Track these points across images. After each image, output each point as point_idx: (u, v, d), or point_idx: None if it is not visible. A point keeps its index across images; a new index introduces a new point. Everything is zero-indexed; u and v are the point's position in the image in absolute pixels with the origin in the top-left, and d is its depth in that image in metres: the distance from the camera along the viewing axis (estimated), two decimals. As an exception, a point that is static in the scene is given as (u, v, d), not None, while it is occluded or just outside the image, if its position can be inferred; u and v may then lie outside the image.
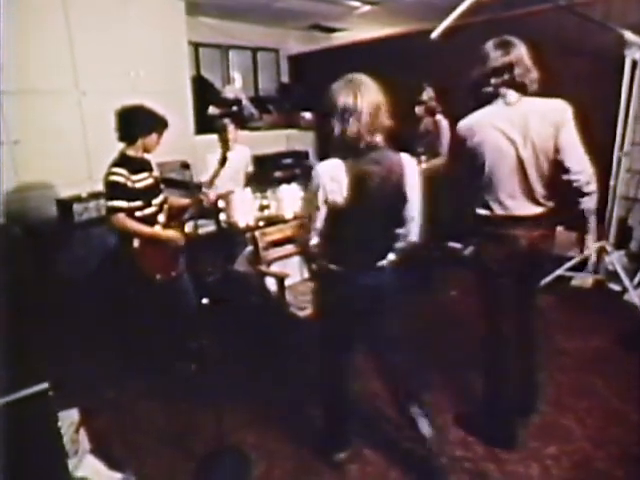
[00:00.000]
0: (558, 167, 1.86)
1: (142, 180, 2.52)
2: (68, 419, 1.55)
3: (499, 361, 2.16)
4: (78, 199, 3.56)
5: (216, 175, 2.88)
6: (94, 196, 3.59)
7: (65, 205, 3.54)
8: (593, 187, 1.86)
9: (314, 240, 1.81)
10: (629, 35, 3.08)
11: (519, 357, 2.18)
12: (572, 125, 1.82)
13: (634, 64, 3.23)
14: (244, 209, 3.24)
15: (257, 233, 3.04)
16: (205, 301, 2.61)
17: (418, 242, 1.90)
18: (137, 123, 2.47)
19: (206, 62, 6.00)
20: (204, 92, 5.40)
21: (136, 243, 2.46)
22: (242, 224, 3.25)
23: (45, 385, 1.16)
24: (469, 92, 1.97)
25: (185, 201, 2.84)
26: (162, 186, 2.74)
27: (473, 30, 3.96)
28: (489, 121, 1.88)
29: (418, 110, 3.84)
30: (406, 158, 1.82)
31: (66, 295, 3.35)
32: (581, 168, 1.84)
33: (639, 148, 3.73)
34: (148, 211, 2.54)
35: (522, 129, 1.83)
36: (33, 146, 3.69)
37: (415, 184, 1.83)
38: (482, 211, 2.00)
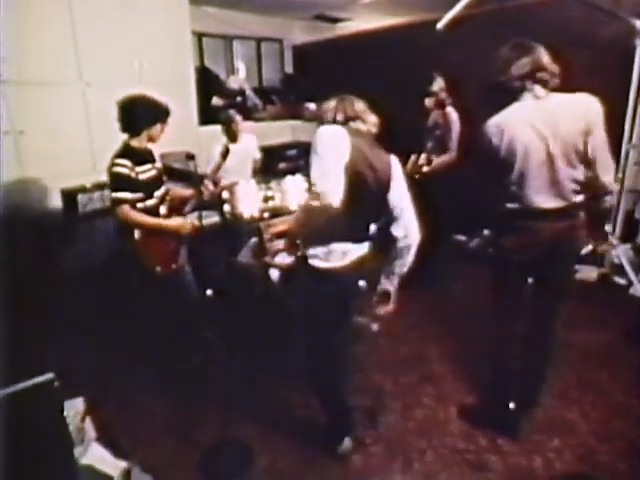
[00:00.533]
0: (586, 163, 1.86)
1: (145, 172, 2.51)
2: (74, 408, 1.56)
3: (505, 351, 2.17)
4: (83, 190, 3.56)
5: (218, 168, 2.87)
6: (98, 187, 3.59)
7: (69, 196, 3.53)
8: (616, 186, 1.86)
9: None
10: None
11: (528, 349, 2.18)
12: (602, 125, 1.81)
13: (645, 54, 3.20)
14: (248, 200, 3.18)
15: (262, 224, 3.03)
16: (209, 292, 2.62)
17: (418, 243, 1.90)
18: (140, 114, 2.44)
19: (210, 52, 5.96)
20: (208, 83, 5.37)
21: (137, 235, 2.44)
22: (246, 215, 3.22)
23: (50, 375, 1.16)
24: (491, 91, 1.96)
25: (187, 193, 2.82)
26: (165, 178, 2.73)
27: (480, 20, 3.93)
28: (520, 117, 1.86)
29: (428, 102, 3.68)
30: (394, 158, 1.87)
31: (70, 287, 3.36)
32: (608, 172, 1.85)
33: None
34: (150, 203, 2.53)
35: (552, 125, 1.82)
36: (37, 137, 3.68)
37: (398, 176, 1.86)
38: (509, 205, 1.99)
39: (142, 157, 2.51)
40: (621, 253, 3.45)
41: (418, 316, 3.37)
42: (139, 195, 2.45)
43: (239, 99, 5.51)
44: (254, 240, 3.22)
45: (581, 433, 2.24)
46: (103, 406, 2.34)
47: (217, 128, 4.01)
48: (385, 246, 1.95)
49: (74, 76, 4.00)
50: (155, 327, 2.83)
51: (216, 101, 5.28)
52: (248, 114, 5.18)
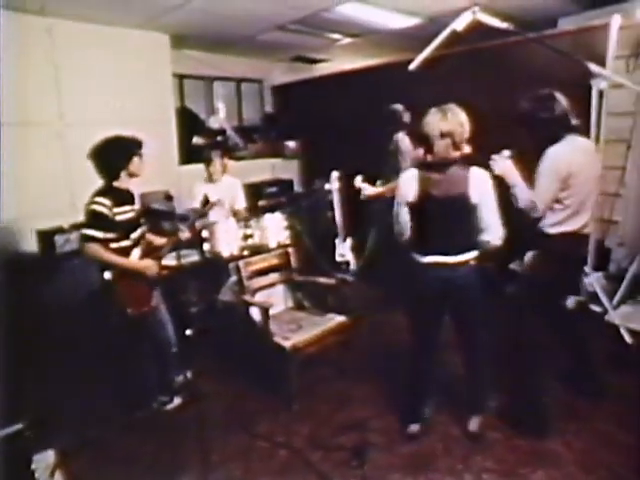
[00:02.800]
0: None
1: (124, 213, 2.51)
2: (43, 462, 1.50)
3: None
4: (60, 230, 3.54)
5: (199, 213, 2.87)
6: (76, 227, 3.55)
7: (46, 236, 3.50)
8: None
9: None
10: (594, 67, 3.22)
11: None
12: None
13: (601, 93, 3.38)
14: (228, 238, 3.23)
15: (241, 263, 3.04)
16: (189, 332, 2.59)
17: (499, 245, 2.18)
18: (113, 157, 2.45)
19: (190, 93, 6.09)
20: (189, 123, 5.46)
21: (107, 275, 2.42)
22: (226, 254, 3.24)
23: (19, 426, 1.12)
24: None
25: (162, 240, 2.81)
26: (142, 220, 2.72)
27: (451, 61, 4.14)
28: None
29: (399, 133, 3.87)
30: (474, 172, 2.14)
31: (48, 329, 3.28)
32: None
33: (612, 171, 3.86)
34: (124, 244, 2.51)
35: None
36: (16, 177, 3.67)
37: (482, 194, 2.12)
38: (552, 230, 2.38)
39: (122, 198, 2.52)
40: (594, 281, 3.53)
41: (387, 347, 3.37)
42: (111, 235, 2.43)
43: (220, 138, 5.61)
44: (234, 278, 3.22)
45: (565, 464, 2.23)
46: (76, 457, 2.27)
47: (198, 167, 4.05)
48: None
49: (54, 116, 4.04)
50: (132, 368, 2.76)
51: (197, 140, 5.36)
52: (229, 153, 5.27)
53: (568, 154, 2.31)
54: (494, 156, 2.42)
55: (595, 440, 2.37)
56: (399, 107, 3.95)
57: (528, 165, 2.39)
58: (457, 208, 2.14)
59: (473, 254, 2.22)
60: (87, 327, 3.26)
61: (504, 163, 2.38)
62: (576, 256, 2.56)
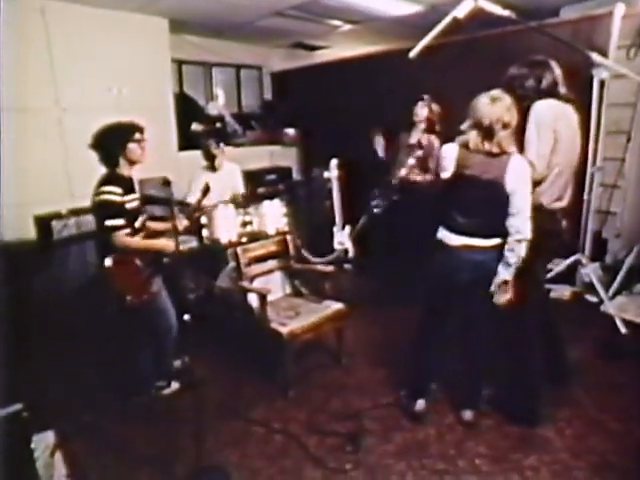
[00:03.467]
0: None
1: (131, 201, 2.50)
2: (43, 442, 1.52)
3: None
4: (57, 216, 3.52)
5: (199, 203, 2.86)
6: (74, 212, 3.56)
7: (43, 222, 3.49)
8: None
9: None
10: (595, 56, 3.20)
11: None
12: None
13: (602, 83, 3.37)
14: (226, 225, 3.23)
15: (239, 249, 3.05)
16: (187, 317, 2.59)
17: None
18: (109, 144, 2.44)
19: (189, 79, 6.03)
20: (187, 109, 5.42)
21: (108, 262, 2.40)
22: (224, 240, 3.24)
23: (19, 406, 1.14)
24: None
25: (162, 226, 2.82)
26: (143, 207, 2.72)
27: (451, 49, 4.11)
28: None
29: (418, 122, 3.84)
30: (516, 159, 2.15)
31: (44, 315, 3.29)
32: None
33: (612, 163, 3.87)
34: (127, 231, 2.49)
35: None
36: (13, 163, 3.64)
37: (517, 181, 2.12)
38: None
39: (125, 185, 2.49)
40: (591, 272, 3.56)
41: (391, 339, 3.40)
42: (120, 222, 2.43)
43: (219, 125, 5.57)
44: (232, 265, 3.22)
45: (556, 450, 2.27)
46: (75, 439, 2.29)
47: (197, 153, 4.03)
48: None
49: (50, 101, 4.00)
50: (129, 353, 2.78)
51: (196, 127, 5.33)
52: (228, 140, 5.24)
53: (554, 108, 2.31)
54: None
55: (587, 427, 2.41)
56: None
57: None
58: (491, 192, 2.16)
59: (500, 240, 2.22)
60: (85, 314, 3.27)
61: None
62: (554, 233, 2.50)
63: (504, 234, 2.20)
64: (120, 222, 2.39)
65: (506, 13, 2.89)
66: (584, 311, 3.67)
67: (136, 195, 2.61)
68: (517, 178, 2.13)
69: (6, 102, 3.64)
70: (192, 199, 3.25)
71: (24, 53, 3.78)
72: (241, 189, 3.94)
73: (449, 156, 2.24)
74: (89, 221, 3.39)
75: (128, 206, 2.48)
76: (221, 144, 3.92)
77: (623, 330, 3.31)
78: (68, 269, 3.41)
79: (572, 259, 3.68)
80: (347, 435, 2.40)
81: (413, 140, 3.85)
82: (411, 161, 3.77)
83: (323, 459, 2.27)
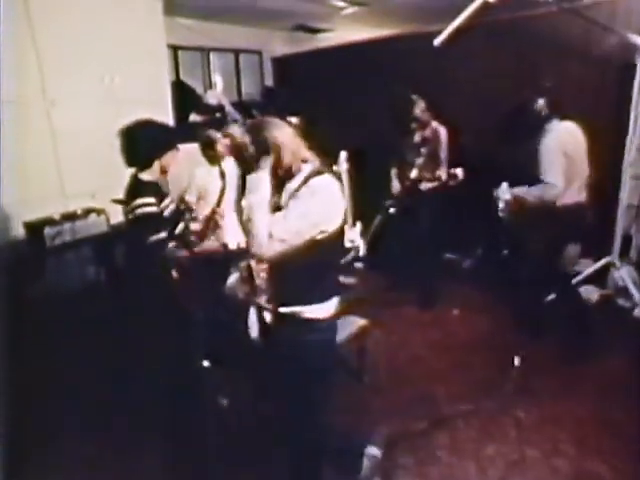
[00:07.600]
0: None
1: (167, 207, 2.27)
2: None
3: None
4: (50, 222, 3.19)
5: (222, 195, 2.59)
6: (68, 217, 3.23)
7: (35, 229, 3.18)
8: None
9: None
10: (639, 40, 2.93)
11: None
12: None
13: (644, 70, 3.10)
14: (234, 230, 2.98)
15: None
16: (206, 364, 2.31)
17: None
18: (150, 142, 2.15)
19: (186, 66, 5.68)
20: (185, 98, 5.08)
21: (175, 274, 2.19)
22: (232, 246, 2.99)
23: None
24: None
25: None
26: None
27: (472, 33, 3.79)
28: None
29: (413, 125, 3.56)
30: None
31: (40, 328, 3.03)
32: None
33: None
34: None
35: None
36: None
37: None
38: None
39: (157, 191, 2.22)
40: (625, 274, 3.33)
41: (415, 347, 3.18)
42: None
43: (218, 115, 5.25)
44: (238, 271, 2.97)
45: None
46: None
47: (195, 145, 3.74)
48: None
49: (36, 93, 3.66)
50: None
51: (194, 118, 5.01)
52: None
53: (562, 134, 2.64)
54: (498, 192, 2.77)
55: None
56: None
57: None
58: None
59: None
60: (85, 325, 3.02)
61: (510, 193, 2.73)
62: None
63: None
64: (164, 235, 2.15)
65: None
66: (613, 316, 3.45)
67: (169, 199, 2.35)
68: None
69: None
70: (192, 198, 2.99)
71: (3, 39, 3.43)
72: None
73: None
74: (86, 226, 3.11)
75: (166, 213, 2.25)
76: (220, 136, 3.62)
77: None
78: (64, 280, 3.12)
79: (603, 261, 3.46)
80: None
81: (417, 138, 3.58)
82: (419, 161, 3.54)
83: None
